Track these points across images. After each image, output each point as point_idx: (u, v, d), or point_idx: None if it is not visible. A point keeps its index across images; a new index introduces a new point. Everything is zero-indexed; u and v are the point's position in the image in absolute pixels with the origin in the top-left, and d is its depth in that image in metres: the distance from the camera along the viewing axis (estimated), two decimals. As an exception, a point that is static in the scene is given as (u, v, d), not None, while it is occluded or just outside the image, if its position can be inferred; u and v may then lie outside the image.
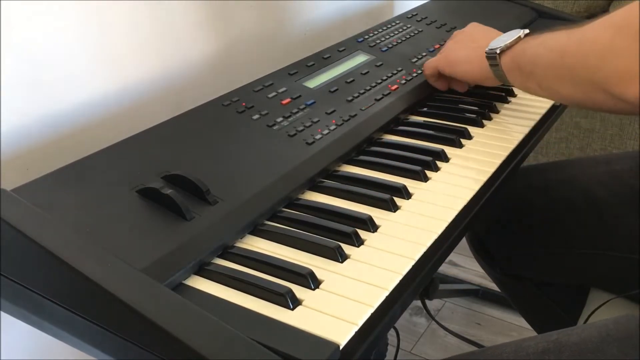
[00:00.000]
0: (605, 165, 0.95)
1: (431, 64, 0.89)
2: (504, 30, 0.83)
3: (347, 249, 0.58)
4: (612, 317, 0.62)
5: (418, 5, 1.20)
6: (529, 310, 1.10)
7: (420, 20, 1.12)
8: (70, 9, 0.80)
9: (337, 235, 0.59)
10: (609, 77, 0.63)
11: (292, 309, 0.50)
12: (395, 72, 0.92)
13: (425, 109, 0.88)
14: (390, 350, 1.21)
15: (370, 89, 0.86)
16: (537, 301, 1.03)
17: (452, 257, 1.69)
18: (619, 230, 0.89)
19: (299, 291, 0.52)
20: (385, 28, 1.06)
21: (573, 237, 0.92)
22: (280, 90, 0.81)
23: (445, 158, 0.75)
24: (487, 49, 0.78)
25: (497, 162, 0.74)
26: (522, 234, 0.98)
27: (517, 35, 0.78)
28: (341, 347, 0.47)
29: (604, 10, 1.61)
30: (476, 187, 0.69)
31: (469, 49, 0.85)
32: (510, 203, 0.98)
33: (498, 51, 0.77)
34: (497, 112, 0.88)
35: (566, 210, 0.93)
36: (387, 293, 0.53)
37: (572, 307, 0.96)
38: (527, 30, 0.79)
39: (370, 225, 0.61)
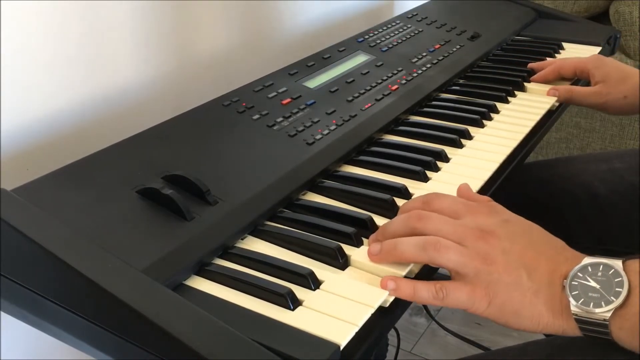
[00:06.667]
0: (605, 162, 0.96)
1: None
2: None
3: (347, 249, 0.58)
4: None
5: (418, 5, 1.20)
6: None
7: (420, 20, 1.12)
8: (70, 9, 0.80)
9: (338, 236, 0.59)
10: None
11: (293, 310, 0.50)
12: (395, 72, 0.92)
13: (425, 109, 0.88)
14: (391, 350, 1.21)
15: (370, 89, 0.86)
16: None
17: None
18: (619, 226, 0.89)
19: (299, 292, 0.52)
20: (385, 28, 1.06)
21: (573, 232, 0.92)
22: (281, 90, 0.81)
23: (445, 158, 0.75)
24: (575, 312, 0.50)
25: (498, 162, 0.74)
26: None
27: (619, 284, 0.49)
28: (341, 348, 0.47)
29: (604, 10, 1.61)
30: (476, 187, 0.69)
31: (522, 289, 0.52)
32: (511, 197, 0.98)
33: (608, 316, 0.49)
34: (497, 112, 0.88)
35: (567, 206, 0.93)
36: (387, 293, 0.53)
37: None
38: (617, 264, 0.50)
39: (371, 225, 0.61)
